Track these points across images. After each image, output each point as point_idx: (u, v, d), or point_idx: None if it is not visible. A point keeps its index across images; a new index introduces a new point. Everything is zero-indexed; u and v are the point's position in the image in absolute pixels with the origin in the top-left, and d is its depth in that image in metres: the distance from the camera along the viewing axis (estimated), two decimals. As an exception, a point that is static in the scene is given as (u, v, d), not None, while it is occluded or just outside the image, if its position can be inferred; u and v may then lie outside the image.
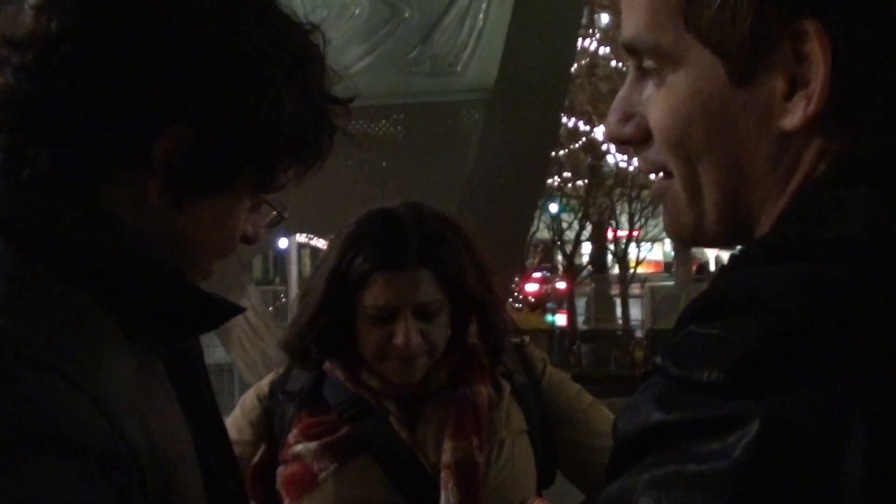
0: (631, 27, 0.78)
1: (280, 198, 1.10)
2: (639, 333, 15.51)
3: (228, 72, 0.95)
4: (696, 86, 0.75)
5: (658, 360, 0.68)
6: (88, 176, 0.94)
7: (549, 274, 28.15)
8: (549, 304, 28.79)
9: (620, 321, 18.93)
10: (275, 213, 1.11)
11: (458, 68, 4.61)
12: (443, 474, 1.78)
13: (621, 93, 0.82)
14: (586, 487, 1.96)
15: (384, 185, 4.82)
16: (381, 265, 1.80)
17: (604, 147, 17.38)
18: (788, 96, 0.72)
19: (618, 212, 21.67)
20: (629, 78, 0.82)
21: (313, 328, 1.85)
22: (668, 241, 37.68)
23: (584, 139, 16.95)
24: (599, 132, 16.90)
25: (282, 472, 1.87)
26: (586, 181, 19.99)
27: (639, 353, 13.82)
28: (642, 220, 21.24)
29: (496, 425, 1.88)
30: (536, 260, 28.83)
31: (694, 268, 21.75)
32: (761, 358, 0.63)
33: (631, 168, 17.67)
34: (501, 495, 1.85)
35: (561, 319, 25.30)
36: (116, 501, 0.79)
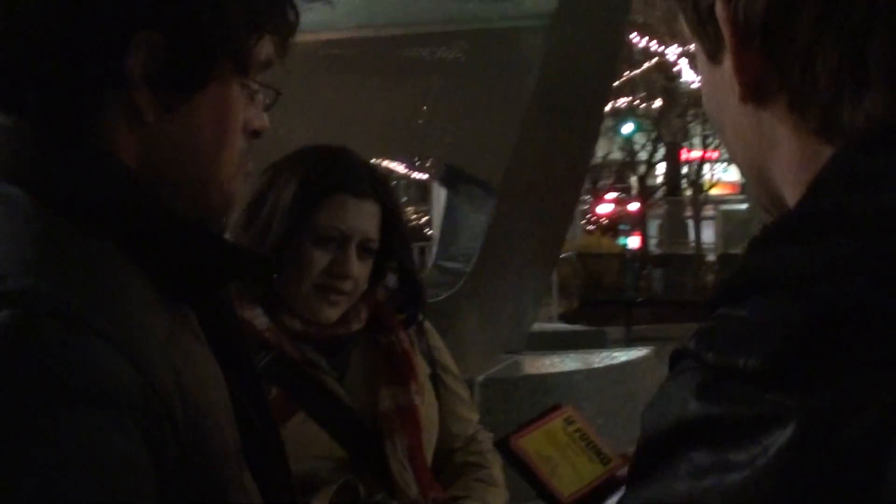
0: None
1: (268, 78, 1.09)
2: (711, 257, 15.31)
3: None
4: (699, 66, 0.75)
5: (690, 344, 0.64)
6: (81, 111, 0.96)
7: (622, 195, 27.89)
8: (622, 227, 28.61)
9: (693, 244, 18.73)
10: (268, 94, 1.09)
11: (518, -7, 4.57)
12: (386, 422, 1.79)
13: None
14: (447, 438, 1.97)
15: (445, 111, 4.82)
16: (343, 188, 1.80)
17: (676, 67, 17.08)
18: None
19: (692, 133, 21.34)
20: None
21: (281, 253, 1.79)
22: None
23: (656, 59, 16.65)
24: (672, 52, 16.60)
25: None
26: (660, 102, 19.69)
27: (709, 278, 13.68)
28: (717, 142, 20.88)
29: (417, 370, 1.90)
30: (610, 181, 28.52)
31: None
32: (802, 345, 0.58)
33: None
34: (430, 438, 1.88)
35: (634, 242, 25.14)
36: (149, 449, 0.82)
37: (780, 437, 0.56)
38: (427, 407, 1.89)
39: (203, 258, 1.00)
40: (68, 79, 0.95)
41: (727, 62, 0.70)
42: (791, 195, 0.70)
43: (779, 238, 0.66)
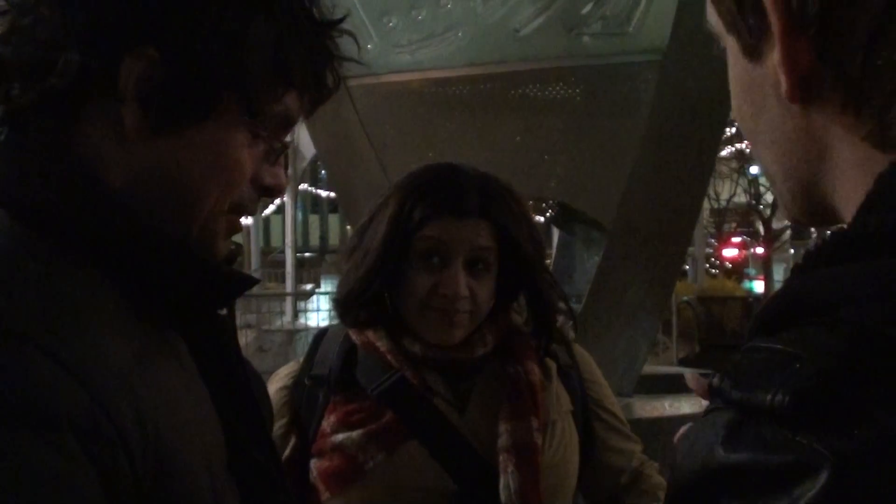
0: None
1: (290, 134, 1.05)
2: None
3: None
4: (731, 65, 0.69)
5: (716, 381, 0.58)
6: (64, 113, 0.93)
7: (748, 239, 27.36)
8: (749, 270, 28.01)
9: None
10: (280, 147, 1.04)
11: (630, 28, 4.50)
12: (501, 458, 1.68)
13: None
14: (606, 473, 1.90)
15: (558, 149, 4.78)
16: (442, 212, 1.73)
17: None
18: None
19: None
20: None
21: (376, 278, 1.75)
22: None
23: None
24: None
25: (319, 464, 1.74)
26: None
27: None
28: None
29: (547, 405, 1.78)
30: (735, 224, 27.99)
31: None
32: (838, 378, 0.52)
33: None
34: (555, 477, 1.76)
35: (760, 286, 24.57)
36: (97, 477, 0.78)
37: (812, 488, 0.50)
38: (557, 446, 1.78)
39: (183, 280, 0.96)
40: (58, 79, 0.91)
41: (771, 57, 0.63)
42: (846, 208, 0.63)
43: (821, 261, 0.59)
